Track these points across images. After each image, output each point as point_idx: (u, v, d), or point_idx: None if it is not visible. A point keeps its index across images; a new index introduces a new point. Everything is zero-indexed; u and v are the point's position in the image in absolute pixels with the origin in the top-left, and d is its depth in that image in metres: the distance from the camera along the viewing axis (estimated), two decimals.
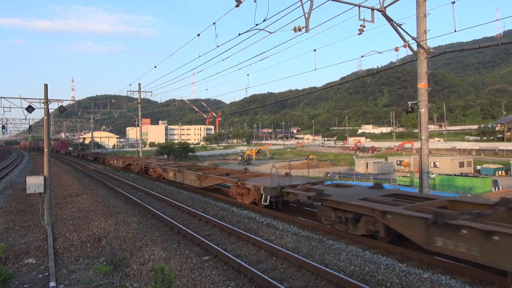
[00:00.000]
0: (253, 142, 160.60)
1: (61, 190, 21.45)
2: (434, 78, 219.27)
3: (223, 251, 8.84)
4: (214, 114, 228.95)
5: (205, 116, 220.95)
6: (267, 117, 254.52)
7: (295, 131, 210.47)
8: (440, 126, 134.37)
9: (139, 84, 41.13)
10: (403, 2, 13.62)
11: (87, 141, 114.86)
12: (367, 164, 57.62)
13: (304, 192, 11.29)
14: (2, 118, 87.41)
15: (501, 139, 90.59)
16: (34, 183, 12.28)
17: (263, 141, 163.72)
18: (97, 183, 24.82)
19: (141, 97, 40.76)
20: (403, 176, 46.50)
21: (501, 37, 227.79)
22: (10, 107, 28.63)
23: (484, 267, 7.60)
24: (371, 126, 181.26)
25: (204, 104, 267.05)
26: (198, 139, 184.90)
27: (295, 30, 10.92)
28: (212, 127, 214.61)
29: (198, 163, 43.63)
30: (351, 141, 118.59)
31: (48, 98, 13.84)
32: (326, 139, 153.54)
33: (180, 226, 11.53)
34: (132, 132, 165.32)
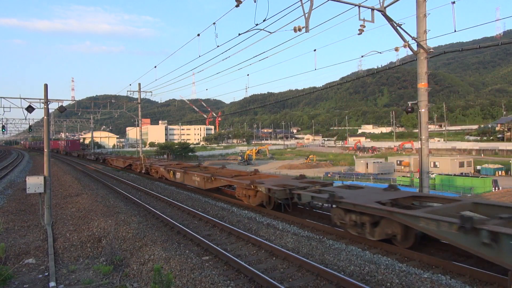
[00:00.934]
0: (253, 142, 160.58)
1: (61, 190, 21.45)
2: (434, 78, 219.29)
3: (223, 251, 8.84)
4: (214, 114, 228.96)
5: (205, 116, 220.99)
6: (267, 117, 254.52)
7: (295, 131, 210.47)
8: (440, 126, 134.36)
9: (139, 84, 41.12)
10: (403, 2, 13.62)
11: (87, 141, 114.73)
12: (367, 164, 57.61)
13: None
14: (2, 118, 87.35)
15: (501, 139, 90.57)
16: (34, 183, 12.28)
17: (263, 141, 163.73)
18: (97, 183, 24.82)
19: (141, 97, 40.75)
20: (403, 176, 46.49)
21: (501, 37, 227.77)
22: (10, 107, 28.55)
23: (484, 267, 7.61)
24: (371, 126, 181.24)
25: (204, 104, 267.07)
26: (198, 139, 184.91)
27: (295, 30, 10.91)
28: (212, 127, 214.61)
29: (191, 163, 43.62)
30: (351, 141, 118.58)
31: (48, 98, 13.84)
32: (326, 139, 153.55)
33: (180, 226, 11.53)
34: (132, 132, 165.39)
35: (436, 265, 7.89)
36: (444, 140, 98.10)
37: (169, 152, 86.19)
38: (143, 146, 54.84)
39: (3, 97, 26.78)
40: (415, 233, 8.49)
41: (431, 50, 12.92)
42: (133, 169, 31.91)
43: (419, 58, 12.90)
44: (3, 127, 44.41)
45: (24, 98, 23.98)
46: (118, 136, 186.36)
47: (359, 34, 12.08)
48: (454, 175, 41.65)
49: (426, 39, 12.67)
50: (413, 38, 12.57)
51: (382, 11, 11.93)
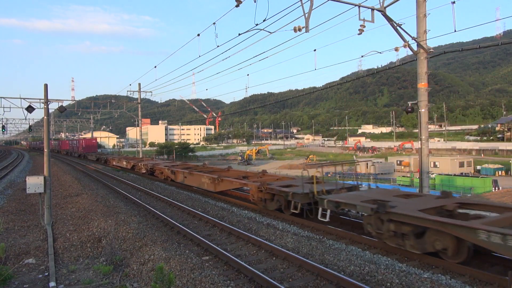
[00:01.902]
0: (253, 142, 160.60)
1: (61, 190, 21.45)
2: (434, 78, 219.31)
3: (223, 251, 8.84)
4: (214, 114, 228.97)
5: (205, 116, 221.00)
6: (267, 117, 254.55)
7: (295, 131, 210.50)
8: (440, 126, 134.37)
9: (139, 84, 41.13)
10: (403, 2, 13.63)
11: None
12: (367, 164, 57.61)
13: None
14: (2, 118, 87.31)
15: (501, 139, 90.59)
16: (34, 183, 12.28)
17: (263, 141, 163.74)
18: (97, 183, 24.83)
19: (141, 97, 40.76)
20: (403, 176, 46.50)
21: (501, 37, 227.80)
22: (10, 107, 28.62)
23: (484, 267, 7.61)
24: (371, 126, 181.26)
25: (204, 104, 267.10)
26: (198, 139, 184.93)
27: (295, 30, 10.92)
28: (212, 127, 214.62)
29: (196, 163, 43.56)
30: (351, 141, 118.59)
31: (48, 98, 13.84)
32: (326, 139, 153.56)
33: (180, 226, 11.53)
34: (132, 132, 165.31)
35: (436, 265, 7.89)
36: (444, 140, 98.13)
37: (172, 152, 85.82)
38: (143, 146, 54.83)
39: (3, 97, 26.83)
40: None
41: (431, 50, 12.92)
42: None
43: (419, 58, 12.90)
44: (3, 127, 44.44)
45: (24, 98, 24.03)
46: (118, 136, 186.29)
47: (359, 34, 12.09)
48: (454, 175, 41.67)
49: (426, 39, 12.67)
50: (413, 38, 12.57)
51: (382, 11, 11.93)
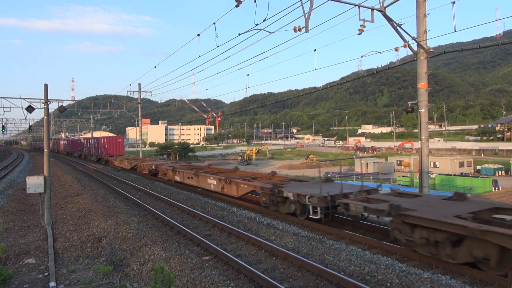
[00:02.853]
0: (253, 142, 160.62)
1: (61, 190, 21.46)
2: (434, 78, 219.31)
3: (223, 251, 8.84)
4: (214, 114, 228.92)
5: (205, 116, 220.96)
6: (267, 117, 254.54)
7: (295, 131, 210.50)
8: (440, 126, 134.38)
9: (139, 84, 41.14)
10: (403, 2, 13.63)
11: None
12: (367, 164, 57.63)
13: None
14: (2, 118, 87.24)
15: (501, 139, 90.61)
16: (34, 183, 12.28)
17: (263, 141, 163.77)
18: (97, 183, 24.82)
19: (141, 97, 40.76)
20: (403, 176, 46.52)
21: (501, 37, 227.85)
22: (10, 107, 28.62)
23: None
24: (371, 126, 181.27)
25: (204, 104, 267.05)
26: (198, 139, 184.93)
27: (295, 30, 10.92)
28: (212, 127, 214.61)
29: (198, 163, 43.47)
30: (351, 141, 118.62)
31: (48, 98, 13.84)
32: (326, 139, 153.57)
33: (180, 226, 11.53)
34: (132, 132, 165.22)
35: (436, 265, 7.89)
36: (444, 140, 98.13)
37: (174, 152, 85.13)
38: (143, 146, 54.79)
39: (3, 97, 26.83)
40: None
41: (431, 50, 12.92)
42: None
43: (419, 58, 12.90)
44: (3, 127, 44.46)
45: (24, 98, 24.03)
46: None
47: (359, 34, 12.09)
48: (454, 175, 41.67)
49: (426, 39, 12.67)
50: (413, 38, 12.57)
51: (382, 11, 11.94)
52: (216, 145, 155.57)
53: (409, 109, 13.51)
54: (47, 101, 13.78)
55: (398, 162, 61.05)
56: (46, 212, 12.58)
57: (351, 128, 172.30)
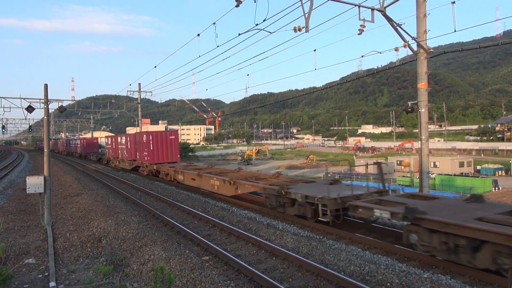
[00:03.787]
0: (253, 142, 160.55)
1: (61, 190, 21.45)
2: (434, 78, 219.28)
3: (223, 251, 8.84)
4: (214, 114, 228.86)
5: (205, 116, 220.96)
6: (267, 117, 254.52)
7: (295, 131, 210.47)
8: (440, 126, 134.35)
9: (139, 84, 41.12)
10: (403, 2, 13.62)
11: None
12: (367, 164, 57.60)
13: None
14: (2, 118, 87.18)
15: (501, 139, 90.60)
16: (34, 183, 12.28)
17: (263, 141, 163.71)
18: (97, 183, 24.82)
19: (141, 97, 40.75)
20: (403, 176, 46.50)
21: (501, 37, 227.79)
22: (10, 107, 28.59)
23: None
24: (371, 126, 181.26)
25: (204, 104, 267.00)
26: (198, 139, 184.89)
27: (295, 30, 10.91)
28: (212, 127, 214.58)
29: (199, 163, 43.40)
30: (351, 141, 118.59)
31: (48, 98, 13.83)
32: (326, 139, 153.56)
33: (180, 226, 11.54)
34: (132, 132, 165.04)
35: (436, 265, 7.89)
36: (444, 140, 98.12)
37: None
38: None
39: (3, 97, 26.80)
40: None
41: (431, 50, 12.92)
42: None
43: (419, 58, 12.89)
44: (3, 127, 44.43)
45: (24, 98, 24.01)
46: None
47: (359, 34, 12.08)
48: (454, 175, 41.65)
49: (426, 39, 12.67)
50: (413, 38, 12.57)
51: (382, 11, 11.93)
52: (216, 145, 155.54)
53: (409, 109, 13.51)
54: (47, 101, 13.77)
55: (398, 162, 61.01)
56: (46, 212, 12.57)
57: (351, 128, 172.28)
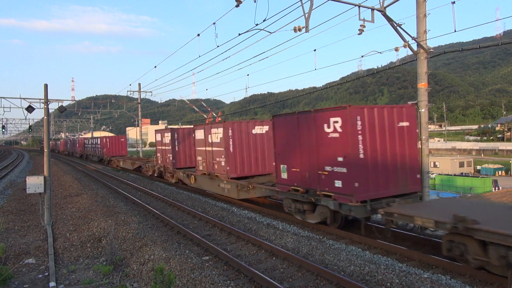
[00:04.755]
0: None
1: (61, 190, 21.45)
2: (434, 78, 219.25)
3: (223, 251, 8.84)
4: (214, 114, 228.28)
5: (205, 116, 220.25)
6: (267, 117, 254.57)
7: None
8: (440, 126, 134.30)
9: (139, 84, 41.14)
10: (403, 2, 13.62)
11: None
12: None
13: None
14: (2, 118, 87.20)
15: (501, 139, 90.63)
16: (34, 183, 12.28)
17: None
18: (97, 183, 24.82)
19: (141, 97, 40.76)
20: None
21: (501, 37, 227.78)
22: (10, 107, 28.69)
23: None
24: None
25: (204, 104, 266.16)
26: None
27: (295, 30, 10.91)
28: None
29: None
30: None
31: (48, 98, 13.83)
32: None
33: (180, 226, 11.54)
34: (132, 132, 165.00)
35: (436, 265, 7.89)
36: (444, 140, 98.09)
37: None
38: (143, 146, 54.82)
39: (3, 97, 26.86)
40: None
41: (431, 50, 12.91)
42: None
43: (419, 58, 12.89)
44: (3, 127, 44.48)
45: (24, 98, 24.05)
46: None
47: (359, 34, 12.08)
48: (454, 175, 41.66)
49: (426, 39, 12.66)
50: (413, 38, 12.56)
51: (382, 11, 11.93)
52: None
53: None
54: (47, 101, 13.77)
55: None
56: (46, 212, 12.57)
57: None
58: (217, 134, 16.65)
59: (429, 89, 13.18)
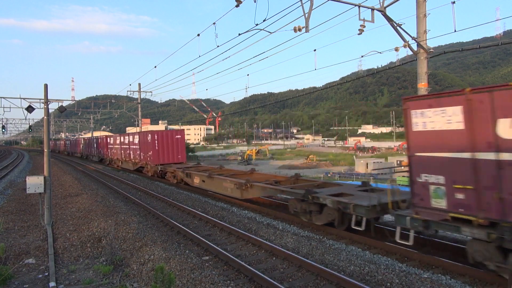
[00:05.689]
0: (253, 142, 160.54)
1: (61, 190, 21.45)
2: (434, 78, 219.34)
3: (223, 251, 8.85)
4: (214, 114, 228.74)
5: (205, 116, 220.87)
6: (267, 117, 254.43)
7: (295, 131, 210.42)
8: None
9: (139, 84, 41.11)
10: (403, 2, 13.63)
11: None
12: (367, 164, 57.62)
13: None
14: (2, 118, 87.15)
15: None
16: (34, 183, 12.28)
17: (263, 141, 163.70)
18: (97, 183, 24.82)
19: (141, 97, 40.75)
20: (403, 176, 46.43)
21: (501, 37, 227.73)
22: (10, 107, 28.67)
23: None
24: (371, 126, 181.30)
25: (204, 104, 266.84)
26: (198, 139, 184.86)
27: (295, 30, 10.92)
28: (212, 127, 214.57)
29: (202, 163, 43.26)
30: (351, 141, 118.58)
31: (48, 98, 13.83)
32: (326, 139, 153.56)
33: (180, 226, 11.54)
34: (132, 132, 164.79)
35: (436, 265, 7.89)
36: None
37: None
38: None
39: (3, 97, 26.85)
40: None
41: (431, 50, 12.92)
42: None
43: (419, 58, 12.89)
44: (3, 127, 44.51)
45: (24, 98, 24.04)
46: None
47: (359, 34, 12.10)
48: None
49: (426, 39, 12.66)
50: (413, 38, 12.57)
51: (382, 11, 11.94)
52: (216, 145, 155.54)
53: None
54: (47, 101, 13.77)
55: (398, 162, 60.94)
56: (46, 212, 12.57)
57: (351, 128, 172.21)
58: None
59: (429, 89, 13.18)
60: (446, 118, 7.09)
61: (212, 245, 9.38)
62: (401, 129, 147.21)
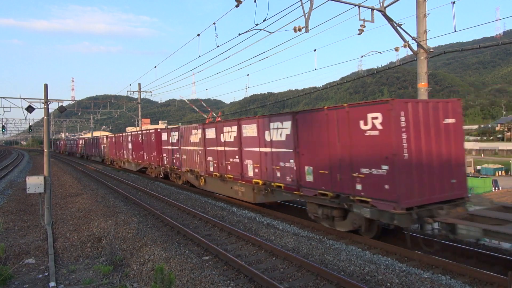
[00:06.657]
0: None
1: (61, 190, 21.45)
2: (434, 78, 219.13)
3: (223, 251, 8.84)
4: (214, 114, 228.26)
5: (205, 116, 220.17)
6: None
7: None
8: None
9: (139, 84, 41.12)
10: (403, 2, 13.62)
11: None
12: None
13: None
14: (2, 118, 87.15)
15: (501, 139, 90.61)
16: (34, 183, 12.28)
17: None
18: (97, 183, 24.82)
19: (141, 97, 40.76)
20: None
21: (501, 37, 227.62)
22: (10, 107, 28.74)
23: (484, 267, 7.60)
24: None
25: (204, 104, 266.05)
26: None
27: (295, 30, 10.92)
28: None
29: None
30: None
31: (48, 98, 13.83)
32: None
33: (180, 226, 11.54)
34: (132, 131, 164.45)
35: (436, 265, 7.89)
36: None
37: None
38: None
39: (3, 97, 26.89)
40: None
41: (431, 50, 12.92)
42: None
43: (419, 58, 12.89)
44: (3, 127, 44.53)
45: (24, 98, 24.08)
46: None
47: (359, 34, 12.10)
48: None
49: (426, 39, 12.66)
50: (413, 38, 12.57)
51: (382, 11, 11.94)
52: None
53: None
54: (47, 101, 13.77)
55: None
56: (46, 212, 12.57)
57: None
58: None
59: (429, 89, 13.18)
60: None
61: (212, 245, 9.38)
62: None
